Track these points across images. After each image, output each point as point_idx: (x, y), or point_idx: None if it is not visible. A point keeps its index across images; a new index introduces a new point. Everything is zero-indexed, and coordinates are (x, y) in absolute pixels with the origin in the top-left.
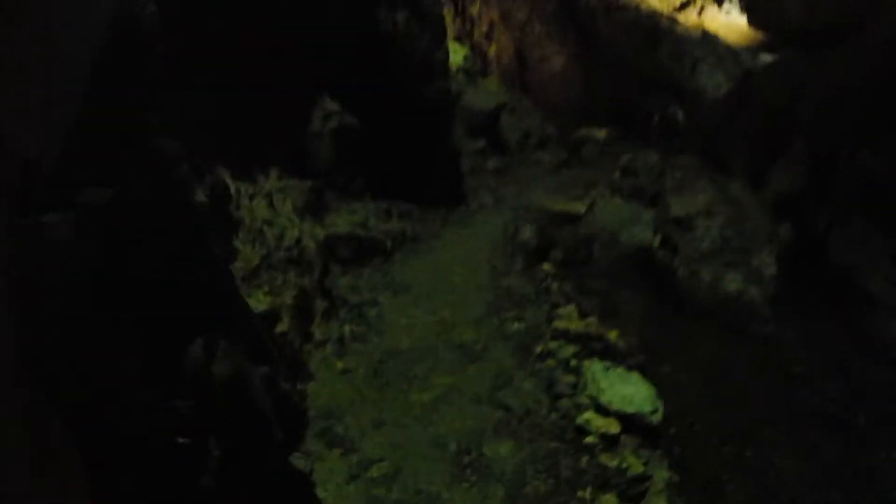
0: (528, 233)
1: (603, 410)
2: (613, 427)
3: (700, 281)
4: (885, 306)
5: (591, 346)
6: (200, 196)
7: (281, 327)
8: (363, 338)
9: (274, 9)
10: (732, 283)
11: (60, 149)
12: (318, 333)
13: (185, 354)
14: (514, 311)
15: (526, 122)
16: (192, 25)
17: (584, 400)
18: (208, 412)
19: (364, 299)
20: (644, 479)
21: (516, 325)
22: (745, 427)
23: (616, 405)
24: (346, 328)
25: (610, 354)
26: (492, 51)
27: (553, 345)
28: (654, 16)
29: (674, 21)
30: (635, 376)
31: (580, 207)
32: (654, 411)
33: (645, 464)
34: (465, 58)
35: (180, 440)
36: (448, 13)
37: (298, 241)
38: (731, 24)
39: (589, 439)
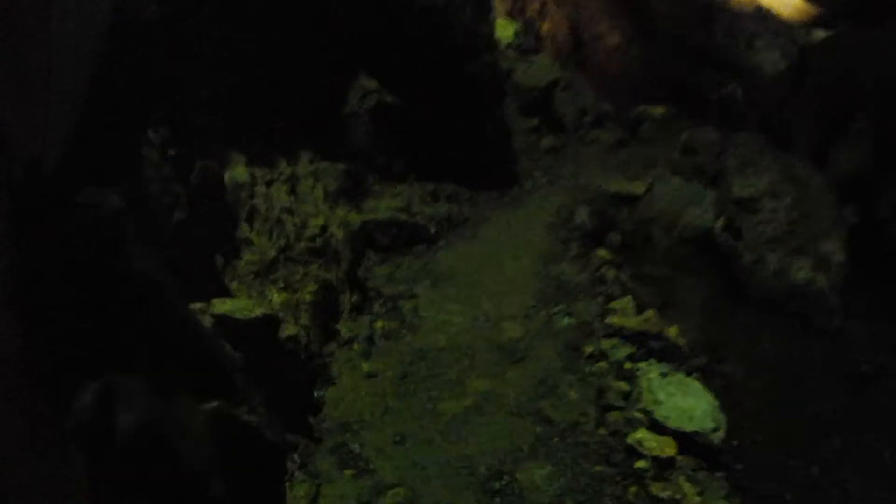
0: (583, 215)
1: (658, 427)
2: (669, 448)
3: (766, 268)
4: None
5: (649, 346)
6: (113, 201)
7: (290, 329)
8: (395, 335)
9: None
10: (800, 271)
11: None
12: (344, 331)
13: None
14: (565, 303)
15: (581, 100)
16: None
17: (636, 414)
18: (105, 479)
19: (400, 291)
20: None
21: (566, 321)
22: (812, 438)
23: (673, 422)
24: (378, 324)
25: (669, 355)
26: (545, 28)
27: (606, 344)
28: None
29: None
30: (696, 385)
31: (639, 188)
32: (716, 429)
33: (700, 493)
34: (516, 34)
35: None
36: None
37: (324, 229)
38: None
39: (640, 464)
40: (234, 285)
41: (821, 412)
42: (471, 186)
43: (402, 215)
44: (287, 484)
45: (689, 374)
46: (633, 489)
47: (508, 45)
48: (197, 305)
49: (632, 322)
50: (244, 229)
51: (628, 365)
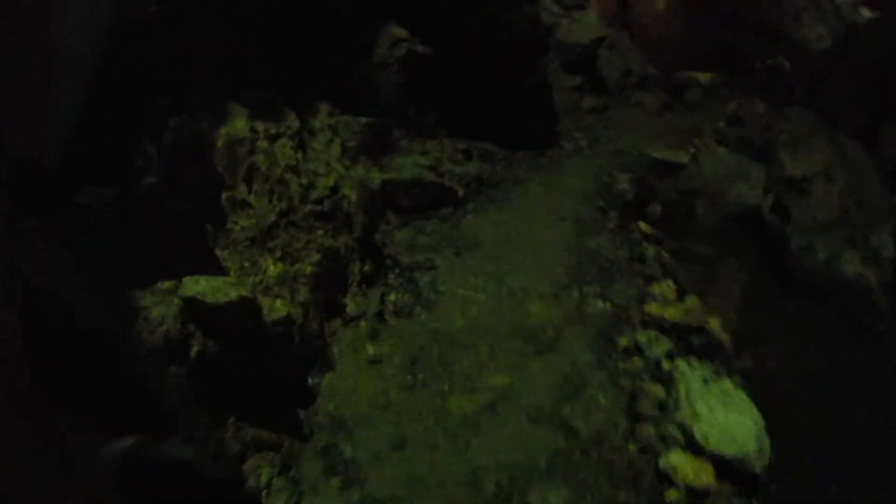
0: (624, 183)
1: (695, 447)
2: (706, 476)
3: (815, 257)
4: None
5: (689, 341)
6: None
7: (280, 310)
8: (408, 312)
9: None
10: (850, 263)
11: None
12: (350, 306)
13: None
14: (600, 283)
15: (626, 61)
16: None
17: (672, 429)
18: None
19: (419, 261)
20: None
21: (600, 305)
22: (853, 457)
23: (713, 443)
24: (390, 298)
25: (711, 352)
26: None
27: (642, 337)
28: None
29: None
30: (740, 396)
31: (683, 157)
32: (759, 452)
33: None
34: None
35: None
36: None
37: (334, 190)
38: None
39: (672, 494)
40: (225, 254)
41: (865, 428)
42: (506, 145)
43: (429, 174)
44: (263, 493)
45: (731, 376)
46: None
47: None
48: (165, 285)
49: (672, 312)
50: (241, 190)
51: (666, 364)
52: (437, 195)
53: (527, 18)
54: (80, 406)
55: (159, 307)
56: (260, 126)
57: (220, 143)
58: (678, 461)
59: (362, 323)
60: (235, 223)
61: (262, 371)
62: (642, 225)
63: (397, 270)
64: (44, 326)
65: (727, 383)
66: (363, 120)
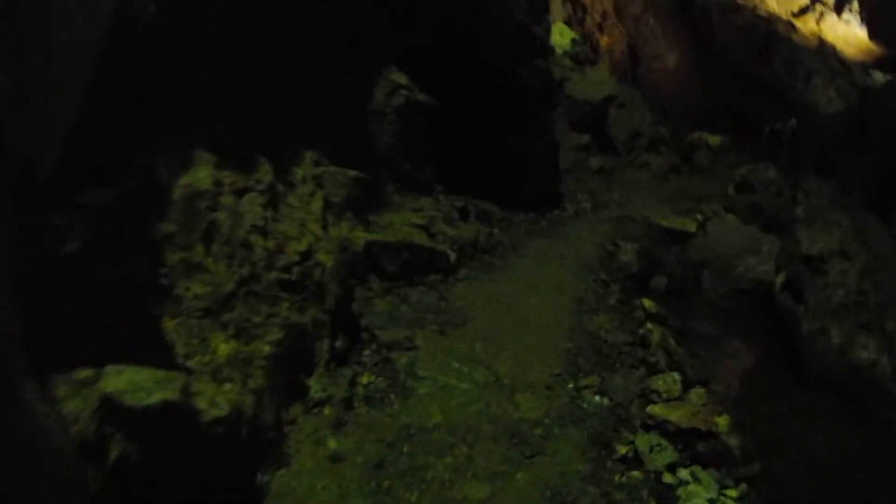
0: (629, 254)
1: None
2: None
3: (828, 342)
4: None
5: (695, 448)
6: None
7: (221, 407)
8: (380, 400)
9: None
10: (864, 350)
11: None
12: (315, 389)
13: None
14: (598, 373)
15: (636, 120)
16: None
17: None
18: None
19: (397, 338)
20: None
21: (597, 400)
22: None
23: None
24: (362, 380)
25: (717, 459)
26: (604, 42)
27: (643, 443)
28: (770, 21)
29: (791, 28)
30: None
31: (691, 225)
32: None
33: None
34: (574, 42)
35: None
36: None
37: (306, 255)
38: (849, 35)
39: None
40: (172, 325)
41: None
42: (506, 205)
43: (420, 235)
44: None
45: (737, 483)
46: None
47: (564, 53)
48: (83, 373)
49: (678, 415)
50: (197, 251)
51: (668, 477)
52: (427, 260)
53: (539, 72)
54: None
55: (75, 400)
56: (227, 177)
57: (176, 194)
58: None
59: (327, 410)
60: (187, 290)
61: (198, 473)
62: (646, 302)
63: (374, 347)
64: None
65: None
66: (352, 173)
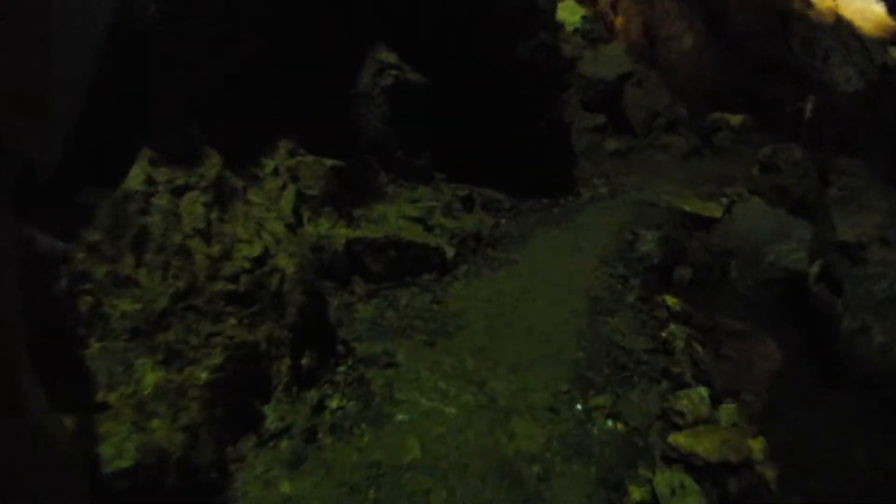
0: (649, 243)
1: None
2: None
3: (870, 340)
4: None
5: (725, 485)
6: None
7: (130, 455)
8: (349, 430)
9: None
10: None
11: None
12: (271, 419)
13: None
14: (612, 389)
15: (653, 100)
16: None
17: None
18: None
19: (375, 352)
20: None
21: (609, 425)
22: None
23: None
24: (332, 404)
25: (752, 495)
26: (618, 22)
27: (662, 482)
28: None
29: (807, 4)
30: None
31: (715, 210)
32: None
33: None
34: (584, 19)
35: None
36: None
37: (260, 261)
38: (867, 11)
39: None
40: (97, 349)
41: None
42: (514, 193)
43: (411, 230)
44: None
45: None
46: None
47: (575, 31)
48: None
49: (705, 446)
50: (126, 262)
51: None
52: (419, 257)
53: (544, 47)
54: None
55: None
56: (162, 175)
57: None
58: None
59: (284, 443)
60: (114, 307)
61: None
62: (669, 300)
63: (349, 363)
64: None
65: None
66: (329, 163)
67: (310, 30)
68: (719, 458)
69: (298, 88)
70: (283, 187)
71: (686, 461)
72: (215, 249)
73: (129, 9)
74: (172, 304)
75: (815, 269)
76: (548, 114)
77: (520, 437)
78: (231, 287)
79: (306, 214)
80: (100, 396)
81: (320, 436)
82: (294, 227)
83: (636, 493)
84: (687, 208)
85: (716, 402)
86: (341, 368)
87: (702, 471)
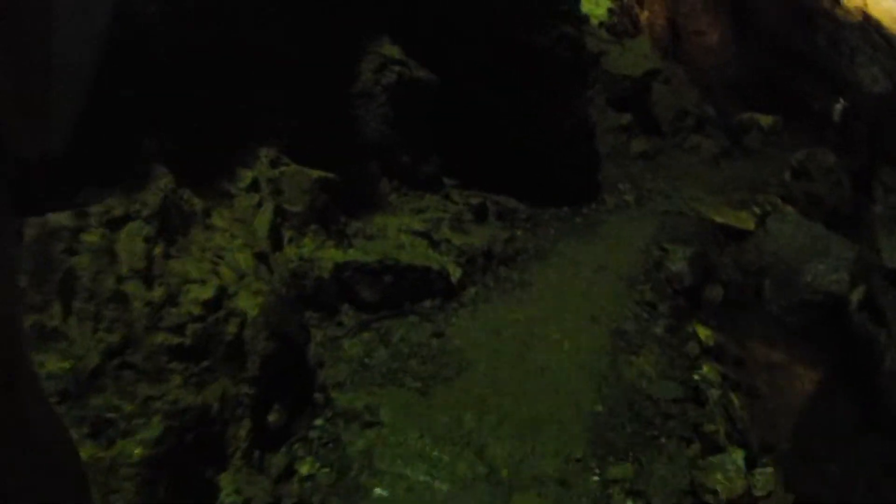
0: (679, 262)
1: None
2: None
3: None
4: None
5: None
6: None
7: None
8: None
9: None
10: None
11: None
12: (227, 492)
13: None
14: (634, 455)
15: (682, 99)
16: None
17: None
18: None
19: (357, 407)
20: None
21: None
22: None
23: None
24: (300, 472)
25: None
26: (644, 17)
27: None
28: None
29: (835, 2)
30: None
31: (748, 221)
32: None
33: None
34: (610, 12)
35: None
36: None
37: (213, 304)
38: (895, 11)
39: None
40: None
41: None
42: (533, 200)
43: (410, 250)
44: None
45: None
46: None
47: (600, 24)
48: None
49: None
50: (53, 313)
51: None
52: (420, 281)
53: (567, 40)
54: None
55: None
56: (95, 206)
57: (28, 235)
58: None
59: None
60: (41, 366)
61: None
62: (700, 331)
63: (328, 415)
64: None
65: None
66: (314, 173)
67: (306, 23)
68: None
69: (289, 87)
70: (259, 205)
71: None
72: (157, 294)
73: (129, 9)
74: (105, 362)
75: (857, 294)
76: (573, 113)
77: None
78: (175, 339)
79: (288, 235)
80: None
81: None
82: (267, 253)
83: None
84: (718, 219)
85: (751, 463)
86: (318, 422)
87: None
